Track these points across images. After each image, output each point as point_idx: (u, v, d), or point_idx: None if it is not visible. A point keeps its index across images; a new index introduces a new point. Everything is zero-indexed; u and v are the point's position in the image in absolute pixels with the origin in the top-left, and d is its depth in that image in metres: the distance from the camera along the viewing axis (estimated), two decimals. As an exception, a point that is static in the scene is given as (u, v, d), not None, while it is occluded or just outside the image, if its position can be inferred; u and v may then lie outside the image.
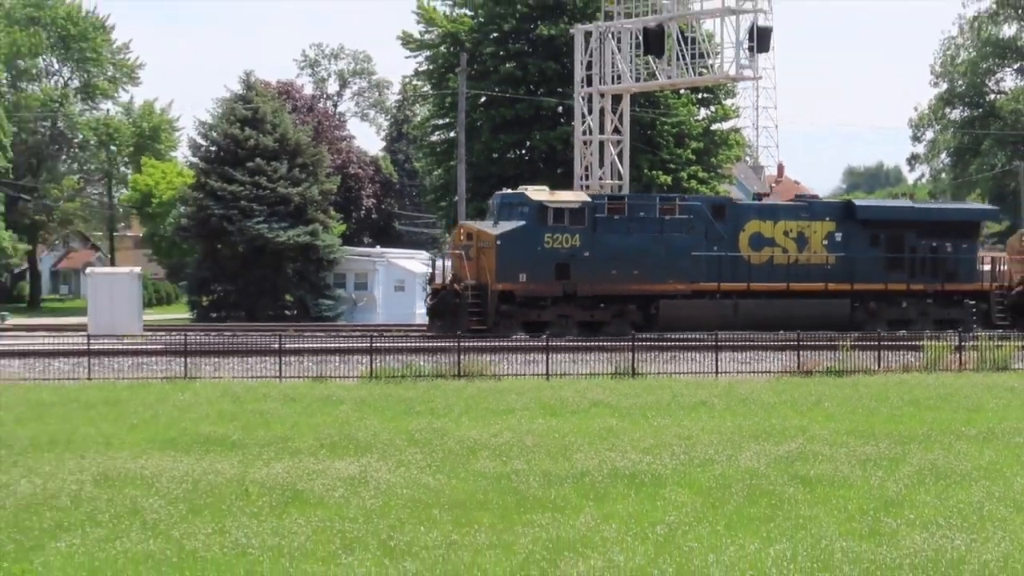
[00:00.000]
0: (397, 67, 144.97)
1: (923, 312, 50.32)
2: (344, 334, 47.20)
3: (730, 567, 14.11)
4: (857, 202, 53.23)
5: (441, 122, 77.02)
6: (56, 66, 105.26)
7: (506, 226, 46.55)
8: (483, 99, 71.78)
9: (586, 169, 57.27)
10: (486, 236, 46.43)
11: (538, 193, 47.81)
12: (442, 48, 74.34)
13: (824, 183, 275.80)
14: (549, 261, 46.37)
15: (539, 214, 46.52)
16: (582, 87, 57.13)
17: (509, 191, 50.45)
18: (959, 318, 50.10)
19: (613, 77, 56.31)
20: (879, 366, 38.50)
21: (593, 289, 46.71)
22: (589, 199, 47.87)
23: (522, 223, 46.48)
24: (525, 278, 46.11)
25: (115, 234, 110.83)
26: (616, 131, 57.04)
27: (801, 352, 39.17)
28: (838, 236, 50.09)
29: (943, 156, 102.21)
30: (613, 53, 56.15)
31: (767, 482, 18.90)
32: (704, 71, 56.09)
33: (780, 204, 56.40)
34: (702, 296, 48.07)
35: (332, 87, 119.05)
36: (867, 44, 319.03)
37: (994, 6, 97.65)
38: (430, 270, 50.44)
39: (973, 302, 50.81)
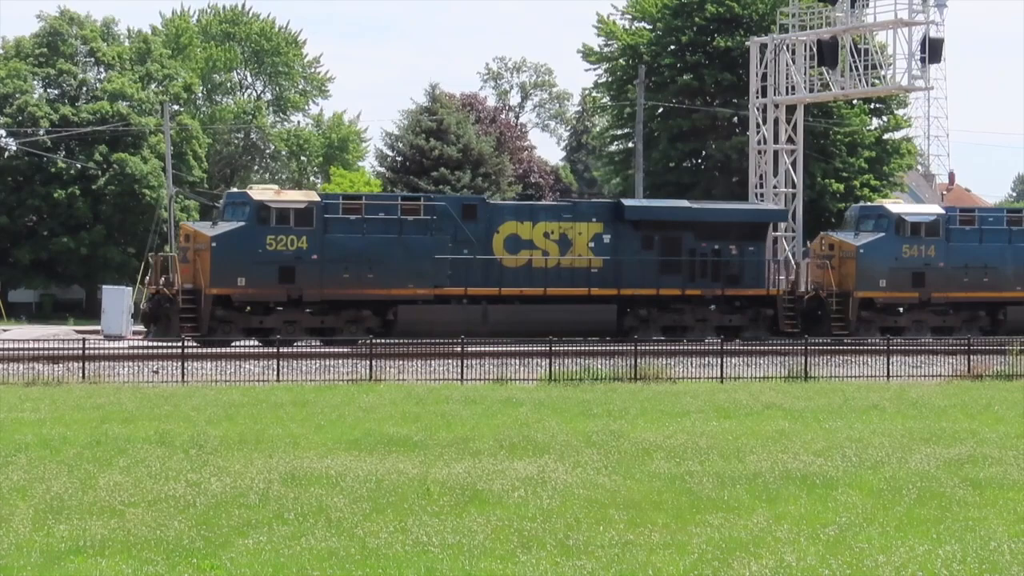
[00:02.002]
0: (577, 79, 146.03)
1: (702, 318, 47.09)
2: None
3: (900, 568, 14.19)
4: (626, 202, 49.39)
5: (619, 132, 77.33)
6: (250, 80, 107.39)
7: (224, 227, 43.58)
8: (660, 110, 71.96)
9: (760, 178, 57.22)
10: (202, 237, 43.37)
11: (262, 192, 44.94)
12: (621, 60, 74.63)
13: (996, 191, 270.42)
14: (271, 264, 43.09)
15: (260, 214, 43.21)
16: (757, 98, 57.16)
17: (235, 190, 47.88)
18: (742, 324, 47.20)
19: (787, 88, 56.27)
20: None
21: (322, 294, 43.63)
22: (318, 198, 44.98)
23: (242, 224, 43.32)
24: (244, 282, 42.87)
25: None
26: (790, 140, 56.92)
27: (972, 356, 38.93)
28: (606, 238, 46.53)
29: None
30: (788, 65, 56.10)
31: (937, 484, 18.93)
32: (876, 82, 55.72)
33: (541, 205, 53.63)
34: (447, 301, 44.86)
35: (514, 99, 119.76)
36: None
37: None
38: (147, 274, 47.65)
39: (771, 309, 47.79)
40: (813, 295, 48.17)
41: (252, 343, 42.19)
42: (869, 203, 52.31)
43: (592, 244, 46.49)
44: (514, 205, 50.05)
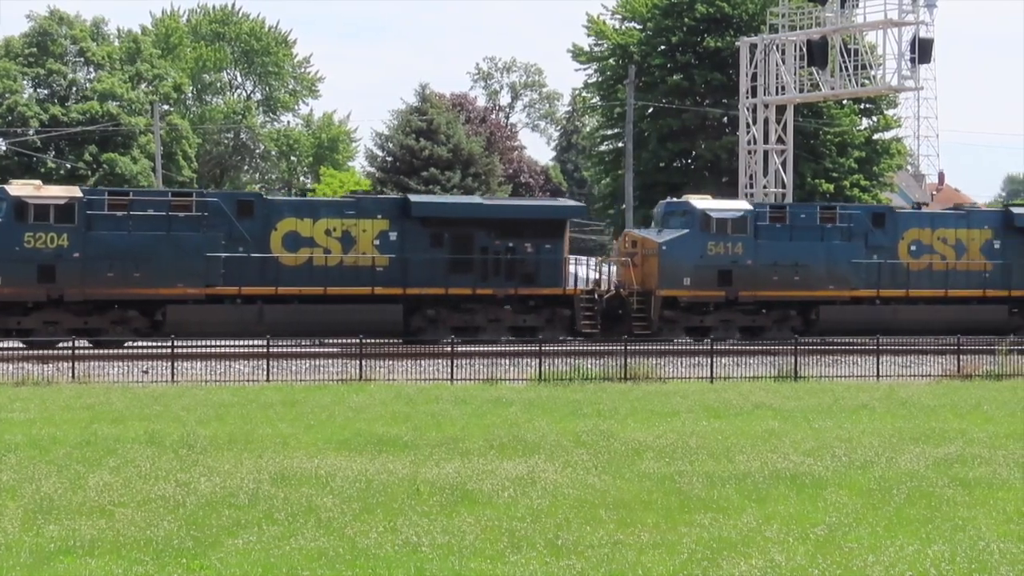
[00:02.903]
0: (567, 79, 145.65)
1: (495, 319, 45.11)
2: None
3: (889, 567, 14.23)
4: (413, 198, 47.11)
5: (609, 132, 77.44)
6: (239, 80, 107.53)
7: None
8: (650, 110, 72.08)
9: (750, 178, 57.36)
10: None
11: (21, 188, 42.89)
12: (611, 60, 74.76)
13: (986, 191, 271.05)
14: (30, 263, 41.33)
15: (17, 211, 41.45)
16: (747, 98, 57.31)
17: None
18: (538, 325, 45.14)
19: (777, 88, 56.41)
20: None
21: (84, 294, 41.54)
22: (80, 194, 42.57)
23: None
24: (0, 281, 41.04)
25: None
26: (780, 141, 57.06)
27: (961, 356, 39.03)
28: (392, 235, 44.55)
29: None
30: (777, 65, 56.23)
31: (926, 484, 18.98)
32: (866, 82, 55.85)
33: (323, 201, 51.15)
34: (220, 301, 42.96)
35: (504, 99, 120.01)
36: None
37: None
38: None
39: (568, 309, 45.60)
40: (614, 294, 46.39)
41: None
42: (675, 199, 49.75)
43: (377, 242, 44.61)
44: (294, 201, 47.85)
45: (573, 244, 50.93)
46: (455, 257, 44.90)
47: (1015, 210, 50.81)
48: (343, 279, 43.98)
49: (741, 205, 48.94)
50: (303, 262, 43.71)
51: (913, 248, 48.71)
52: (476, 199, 50.46)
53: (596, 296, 46.26)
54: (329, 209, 45.21)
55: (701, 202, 48.00)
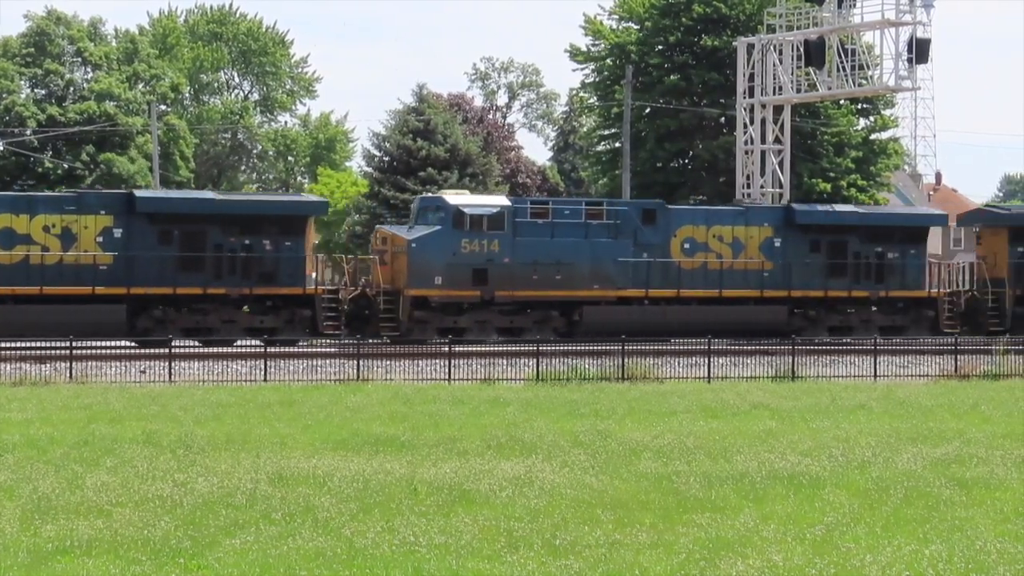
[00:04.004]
0: (564, 79, 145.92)
1: (229, 320, 43.28)
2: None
3: (886, 567, 14.25)
4: (139, 194, 44.75)
5: (607, 132, 77.36)
6: (237, 80, 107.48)
7: None
8: (648, 110, 72.02)
9: (748, 178, 57.32)
10: None
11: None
12: (608, 60, 74.68)
13: (983, 191, 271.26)
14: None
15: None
16: (744, 98, 57.26)
17: None
18: (277, 326, 43.27)
19: (775, 88, 56.38)
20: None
21: None
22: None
23: None
24: None
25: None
26: (777, 141, 57.03)
27: (959, 356, 39.04)
28: (117, 232, 42.67)
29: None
30: (775, 65, 56.21)
31: (924, 484, 19.02)
32: (864, 82, 55.81)
33: (41, 196, 47.79)
34: None
35: (502, 99, 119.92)
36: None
37: None
38: None
39: (309, 310, 43.84)
40: (359, 293, 44.72)
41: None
42: (430, 195, 48.69)
43: (100, 239, 42.61)
44: (10, 197, 45.47)
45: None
46: (185, 255, 42.98)
47: (796, 207, 49.80)
48: (62, 278, 42.06)
49: (498, 201, 47.60)
50: (18, 260, 41.87)
51: (686, 246, 47.17)
52: (209, 194, 47.83)
53: (340, 296, 44.44)
54: (48, 205, 43.23)
55: (455, 197, 46.55)
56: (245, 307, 43.81)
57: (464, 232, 44.79)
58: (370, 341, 39.96)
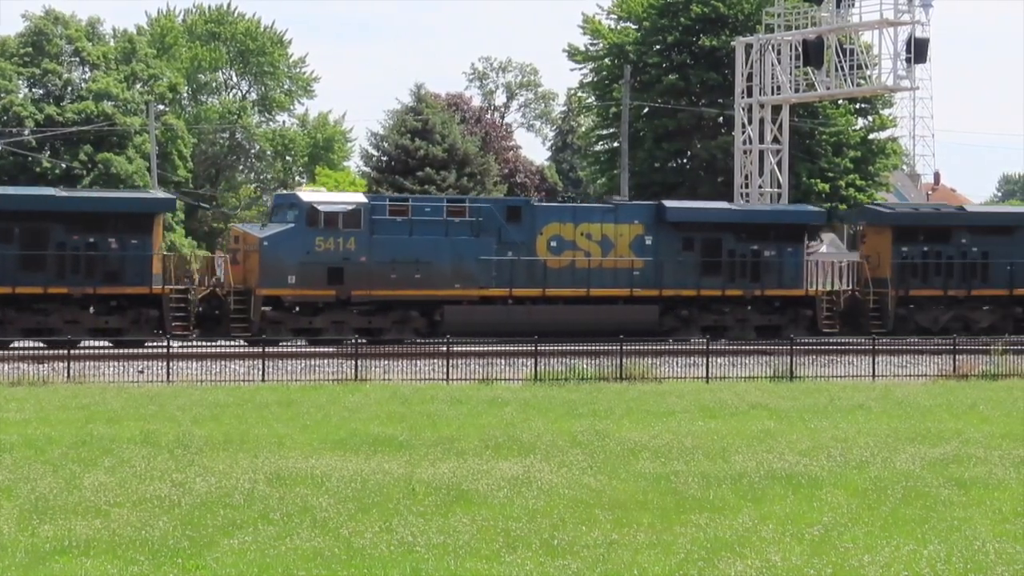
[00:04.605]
0: (563, 79, 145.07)
1: (73, 320, 41.37)
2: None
3: (885, 568, 14.28)
4: None
5: (605, 132, 77.48)
6: (235, 80, 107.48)
7: None
8: (646, 110, 72.09)
9: (746, 178, 57.39)
10: None
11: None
12: (606, 60, 74.78)
13: (982, 190, 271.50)
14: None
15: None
16: (743, 98, 57.33)
17: None
18: (122, 326, 41.78)
19: (773, 88, 56.45)
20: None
21: None
22: None
23: None
24: None
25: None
26: (775, 140, 57.09)
27: (957, 356, 39.02)
28: None
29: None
30: (773, 65, 56.27)
31: (922, 484, 19.03)
32: (862, 82, 55.87)
33: None
34: None
35: (500, 99, 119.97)
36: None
37: None
38: None
39: (156, 309, 42.19)
40: (209, 293, 43.12)
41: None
42: (286, 192, 47.44)
43: None
44: None
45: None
46: (25, 254, 41.42)
47: (667, 204, 48.35)
48: None
49: (355, 198, 46.22)
50: None
51: (553, 244, 45.82)
52: (50, 190, 45.71)
53: (190, 296, 42.93)
54: None
55: (309, 194, 45.47)
56: (89, 307, 42.19)
57: (318, 230, 43.46)
58: (357, 341, 39.72)
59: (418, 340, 43.24)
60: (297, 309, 43.48)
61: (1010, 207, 55.60)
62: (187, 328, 42.38)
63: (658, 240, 46.67)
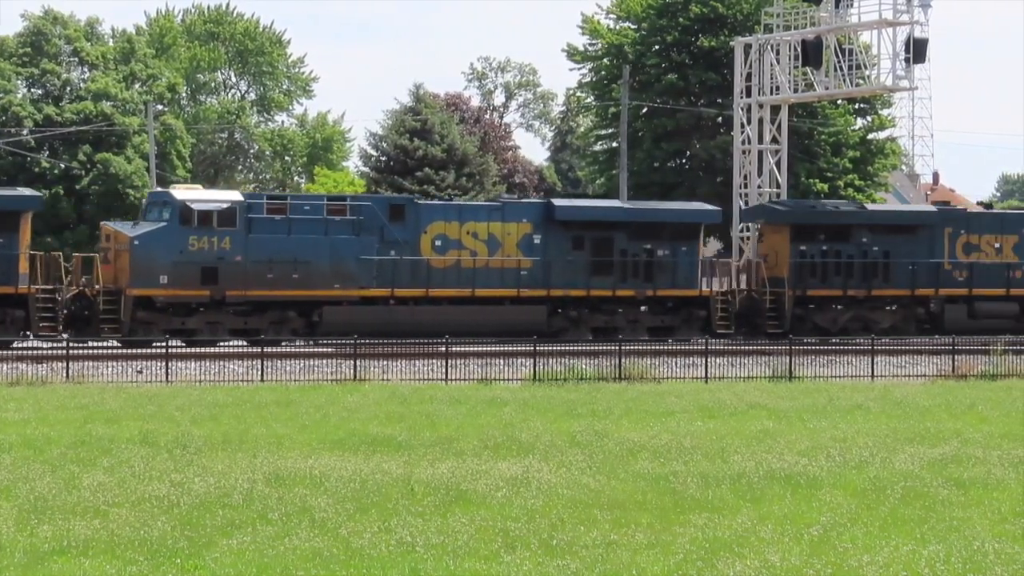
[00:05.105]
0: (562, 79, 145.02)
1: None
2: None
3: (884, 568, 14.30)
4: None
5: (604, 132, 77.48)
6: (234, 80, 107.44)
7: None
8: (645, 110, 72.08)
9: (745, 178, 57.35)
10: None
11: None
12: (605, 60, 74.78)
13: (980, 191, 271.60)
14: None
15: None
16: (741, 98, 57.30)
17: None
18: None
19: (772, 88, 56.43)
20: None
21: None
22: None
23: None
24: None
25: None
26: (774, 140, 57.06)
27: (956, 356, 39.00)
28: None
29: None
30: (772, 65, 56.24)
31: (921, 484, 19.05)
32: (861, 82, 55.82)
33: None
34: None
35: (499, 99, 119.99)
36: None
37: None
38: None
39: (22, 310, 41.03)
40: (77, 293, 41.92)
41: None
42: (159, 189, 46.43)
43: None
44: None
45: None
46: None
47: (556, 203, 47.52)
48: None
49: (230, 196, 44.92)
50: None
51: (438, 243, 44.88)
52: None
53: (58, 296, 41.61)
54: None
55: (183, 192, 44.42)
56: None
57: (192, 229, 42.34)
58: (367, 341, 39.69)
59: (297, 340, 42.33)
60: (171, 310, 42.27)
61: (912, 206, 53.52)
62: (55, 329, 41.23)
63: (547, 239, 45.69)
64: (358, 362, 36.21)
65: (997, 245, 49.44)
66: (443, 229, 45.12)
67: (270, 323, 42.84)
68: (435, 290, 44.50)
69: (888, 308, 48.52)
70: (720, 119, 70.57)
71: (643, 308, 46.50)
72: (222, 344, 41.39)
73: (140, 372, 35.74)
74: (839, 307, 48.03)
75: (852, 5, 55.22)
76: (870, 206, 51.83)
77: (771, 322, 47.01)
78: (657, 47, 72.22)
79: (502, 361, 37.62)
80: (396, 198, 49.51)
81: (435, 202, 49.81)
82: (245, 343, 41.85)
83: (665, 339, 44.39)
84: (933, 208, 52.48)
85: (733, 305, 47.15)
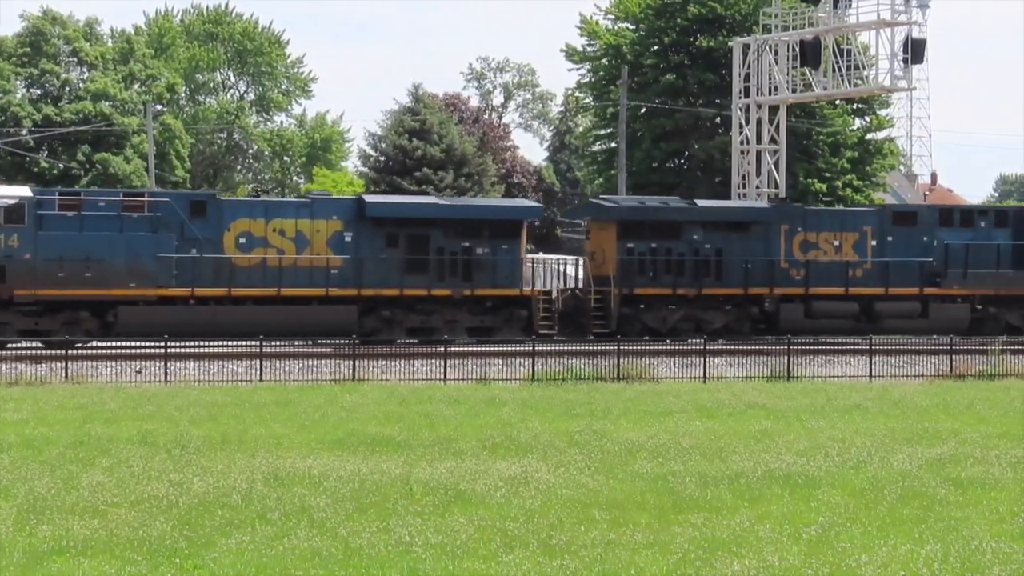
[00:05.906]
0: (560, 79, 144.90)
1: None
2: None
3: (882, 567, 14.30)
4: None
5: (602, 132, 77.53)
6: (233, 80, 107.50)
7: None
8: (643, 110, 72.13)
9: (743, 178, 57.40)
10: None
11: None
12: (604, 60, 74.82)
13: (979, 191, 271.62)
14: None
15: None
16: (740, 98, 57.36)
17: None
18: None
19: (770, 88, 56.48)
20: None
21: None
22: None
23: None
24: None
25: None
26: (773, 141, 57.11)
27: (954, 356, 39.01)
28: None
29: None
30: (770, 65, 56.30)
31: (919, 484, 19.05)
32: (859, 82, 55.86)
33: None
34: None
35: (497, 99, 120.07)
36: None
37: None
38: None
39: None
40: None
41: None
42: None
43: None
44: None
45: (566, 246, 49.49)
46: None
47: (368, 199, 46.30)
48: None
49: (18, 192, 43.21)
50: None
51: (242, 241, 43.40)
52: None
53: None
54: None
55: None
56: None
57: None
58: (367, 341, 39.73)
59: (92, 340, 41.34)
60: None
61: (746, 202, 51.27)
62: None
63: (359, 237, 44.39)
64: (357, 362, 36.21)
65: (836, 243, 47.80)
66: (248, 226, 43.65)
67: (62, 324, 41.44)
68: (238, 289, 43.03)
69: (724, 308, 46.97)
70: (718, 119, 70.62)
71: (461, 308, 45.11)
72: (221, 344, 41.07)
73: (139, 372, 35.75)
74: (671, 307, 46.61)
75: (850, 5, 55.30)
76: (701, 202, 50.30)
77: (597, 322, 45.85)
78: (655, 47, 72.30)
79: (501, 361, 37.66)
80: (197, 194, 48.12)
81: (240, 198, 48.33)
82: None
83: (486, 340, 43.60)
84: (767, 205, 50.89)
85: (556, 304, 46.15)
